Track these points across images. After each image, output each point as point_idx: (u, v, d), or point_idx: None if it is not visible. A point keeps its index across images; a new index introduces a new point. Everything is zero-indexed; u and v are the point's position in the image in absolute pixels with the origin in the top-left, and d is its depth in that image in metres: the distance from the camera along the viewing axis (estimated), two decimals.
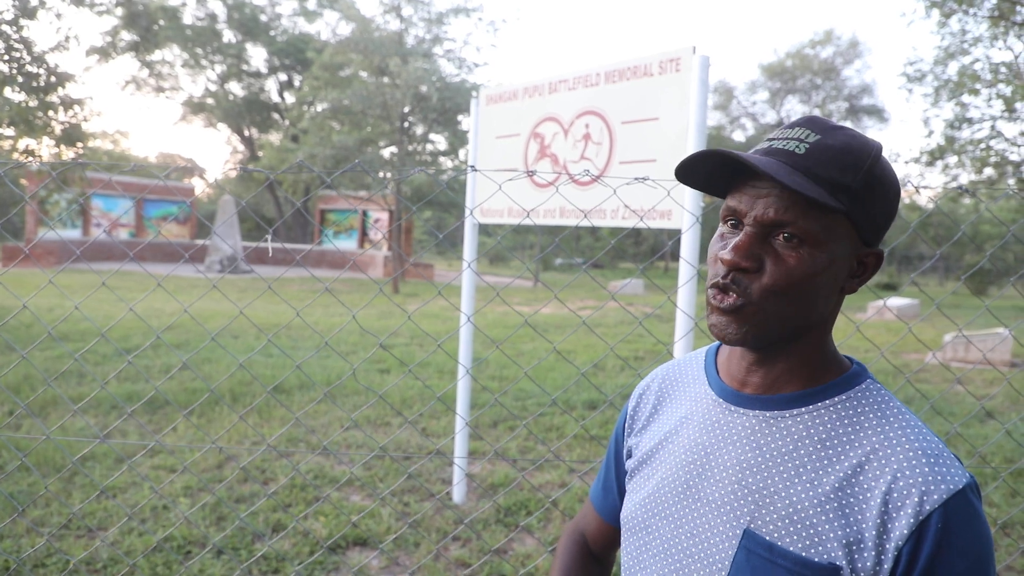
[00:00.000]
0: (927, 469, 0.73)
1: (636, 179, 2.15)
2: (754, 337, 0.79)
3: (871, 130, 33.30)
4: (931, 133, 20.31)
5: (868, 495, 0.74)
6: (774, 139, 0.79)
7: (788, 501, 0.78)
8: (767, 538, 0.77)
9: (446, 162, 21.33)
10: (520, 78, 3.47)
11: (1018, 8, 13.68)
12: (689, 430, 0.89)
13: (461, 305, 3.54)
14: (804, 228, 0.76)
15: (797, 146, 0.77)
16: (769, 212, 0.76)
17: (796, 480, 0.78)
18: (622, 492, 1.04)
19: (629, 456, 1.00)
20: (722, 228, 0.82)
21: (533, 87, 3.38)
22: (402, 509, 3.74)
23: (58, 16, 11.34)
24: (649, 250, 36.15)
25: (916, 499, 0.72)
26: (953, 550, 0.71)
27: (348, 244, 26.21)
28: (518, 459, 4.63)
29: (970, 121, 19.38)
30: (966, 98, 18.56)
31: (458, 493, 3.87)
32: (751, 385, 0.85)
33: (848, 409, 0.80)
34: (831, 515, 0.75)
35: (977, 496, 0.74)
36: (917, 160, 19.50)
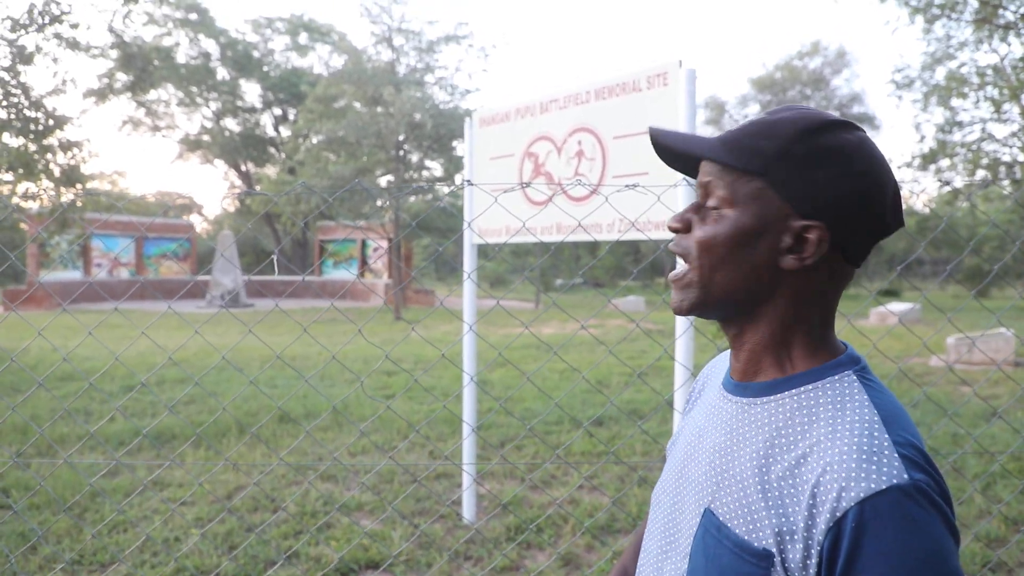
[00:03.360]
0: (853, 464, 0.69)
1: (627, 186, 2.21)
2: (691, 303, 0.84)
3: None
4: (923, 138, 20.47)
5: (804, 487, 0.73)
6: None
7: (740, 485, 0.79)
8: (720, 519, 0.79)
9: (442, 188, 21.46)
10: (512, 99, 3.56)
11: (1000, 12, 13.86)
12: (699, 415, 0.94)
13: (464, 316, 3.57)
14: (722, 193, 0.81)
15: (743, 123, 0.83)
16: (702, 181, 0.84)
17: (750, 465, 0.79)
18: None
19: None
20: None
21: (525, 107, 3.45)
22: (412, 531, 3.75)
23: (55, 60, 11.52)
24: (649, 267, 36.22)
25: (835, 494, 0.69)
26: (872, 554, 0.67)
27: (348, 274, 26.28)
28: (526, 477, 4.64)
29: (960, 124, 19.55)
30: (955, 102, 18.73)
31: (468, 512, 3.88)
32: (736, 371, 0.87)
33: (811, 400, 0.78)
34: (771, 503, 0.75)
35: (919, 501, 0.68)
36: (909, 164, 19.63)
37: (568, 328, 14.84)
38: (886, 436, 0.72)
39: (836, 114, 0.83)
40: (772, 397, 0.81)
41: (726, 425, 0.85)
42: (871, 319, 15.21)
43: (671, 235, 2.77)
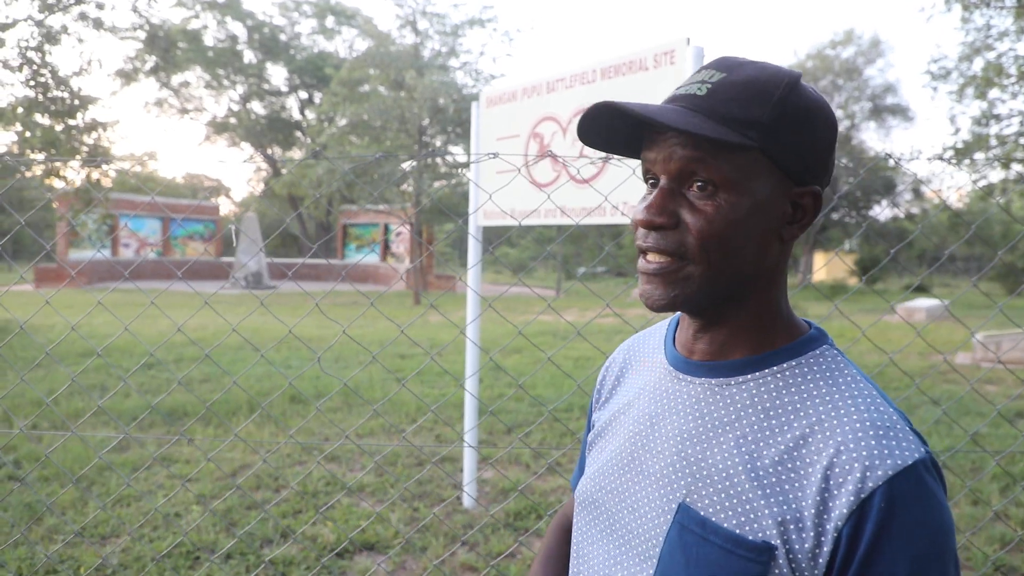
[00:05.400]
0: (873, 442, 0.66)
1: (600, 159, 2.14)
2: (684, 301, 0.74)
3: (896, 129, 32.85)
4: (957, 131, 19.96)
5: (809, 470, 0.67)
6: (680, 86, 0.75)
7: (725, 474, 0.72)
8: (701, 513, 0.72)
9: (466, 173, 21.41)
10: (519, 78, 3.51)
11: None
12: (641, 401, 0.85)
13: (467, 306, 3.53)
14: (716, 173, 0.71)
15: (699, 88, 0.72)
16: (677, 162, 0.72)
17: (735, 452, 0.72)
18: None
19: (590, 430, 0.96)
20: (646, 189, 0.78)
21: (532, 87, 3.38)
22: (411, 514, 3.73)
23: (80, 41, 11.61)
24: None
25: (858, 475, 0.65)
26: (899, 533, 0.63)
27: (371, 257, 26.41)
28: (531, 464, 4.60)
29: (997, 117, 19.03)
30: (992, 93, 18.23)
31: (468, 498, 3.85)
32: (698, 352, 0.79)
33: (797, 376, 0.73)
34: (768, 491, 0.68)
35: (933, 474, 0.66)
36: (941, 157, 19.19)
37: (587, 316, 14.76)
38: (891, 410, 0.69)
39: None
40: (750, 376, 0.75)
41: (692, 409, 0.77)
42: (896, 315, 14.93)
43: None
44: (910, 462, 0.65)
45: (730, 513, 0.70)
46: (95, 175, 11.94)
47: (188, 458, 4.60)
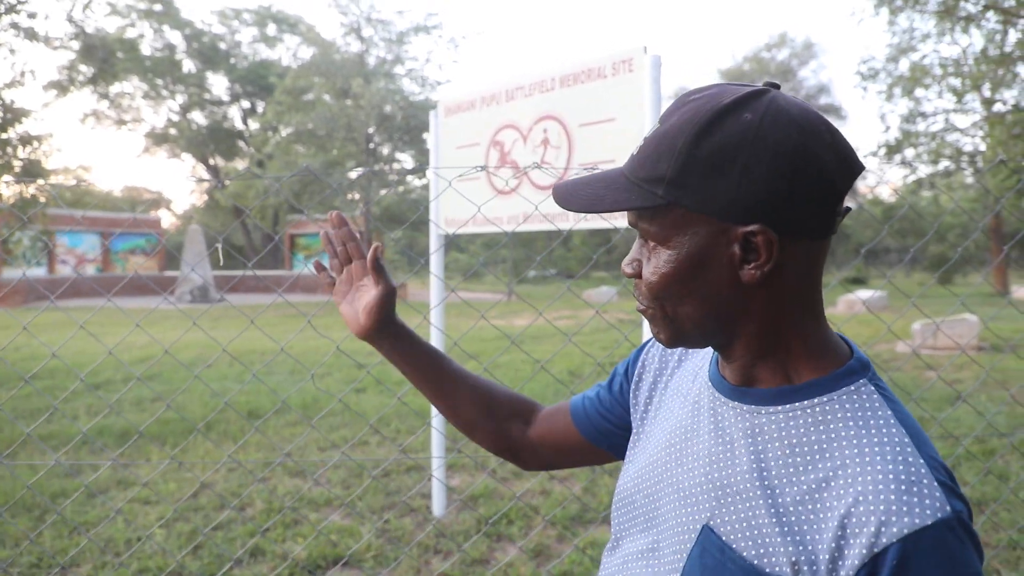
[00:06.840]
0: (893, 496, 0.64)
1: (583, 167, 2.18)
2: (668, 339, 0.78)
3: None
4: (887, 129, 20.79)
5: (828, 515, 0.67)
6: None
7: (747, 504, 0.72)
8: (723, 538, 0.73)
9: (413, 180, 21.32)
10: (477, 87, 3.54)
11: (961, 4, 14.09)
12: (681, 408, 0.86)
13: (431, 314, 3.53)
14: (649, 230, 0.74)
15: (638, 146, 0.75)
16: (629, 219, 0.77)
17: (759, 484, 0.72)
18: (600, 414, 1.04)
19: (645, 399, 0.95)
20: None
21: (491, 95, 3.41)
22: (382, 526, 3.71)
23: (12, 51, 11.19)
24: (620, 258, 36.32)
25: (873, 528, 0.63)
26: None
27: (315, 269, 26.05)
28: (497, 469, 4.62)
29: (924, 115, 19.87)
30: (918, 92, 19.02)
31: (438, 506, 3.85)
32: (729, 375, 0.79)
33: (827, 414, 0.72)
34: (786, 528, 0.69)
35: (960, 535, 0.63)
36: (875, 154, 19.92)
37: (541, 320, 14.85)
38: (921, 461, 0.67)
39: (734, 91, 0.71)
40: (779, 408, 0.74)
41: (722, 432, 0.78)
42: (839, 307, 15.42)
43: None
44: (929, 522, 0.62)
45: (749, 543, 0.71)
46: (30, 190, 11.49)
47: (144, 481, 4.47)
